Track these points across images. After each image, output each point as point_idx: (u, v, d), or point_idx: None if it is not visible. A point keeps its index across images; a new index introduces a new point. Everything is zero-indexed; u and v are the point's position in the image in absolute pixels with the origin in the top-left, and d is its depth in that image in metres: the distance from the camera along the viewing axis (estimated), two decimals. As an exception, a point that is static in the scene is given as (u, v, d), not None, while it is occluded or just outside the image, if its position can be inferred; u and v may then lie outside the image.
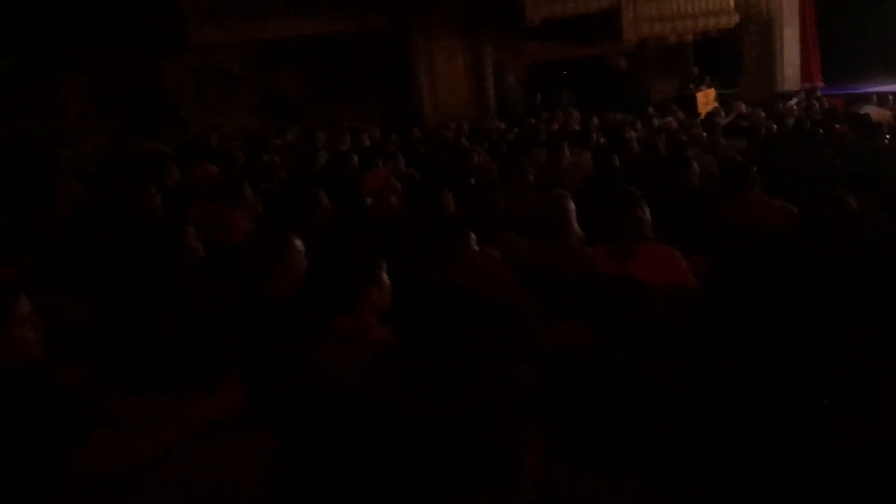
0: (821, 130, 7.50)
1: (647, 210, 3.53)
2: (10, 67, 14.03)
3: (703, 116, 9.93)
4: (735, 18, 13.15)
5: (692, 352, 2.38)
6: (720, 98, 12.76)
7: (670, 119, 9.91)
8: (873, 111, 9.04)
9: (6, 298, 2.14)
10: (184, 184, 6.07)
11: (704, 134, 7.88)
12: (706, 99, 12.49)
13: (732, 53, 14.09)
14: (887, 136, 7.17)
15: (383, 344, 2.36)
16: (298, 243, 3.10)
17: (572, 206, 3.95)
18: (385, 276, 2.55)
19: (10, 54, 14.00)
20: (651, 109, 10.90)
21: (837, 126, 7.90)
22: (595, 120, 10.16)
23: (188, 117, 14.35)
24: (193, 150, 8.64)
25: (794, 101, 11.52)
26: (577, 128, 9.45)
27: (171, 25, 13.83)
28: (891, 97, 10.47)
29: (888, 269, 2.84)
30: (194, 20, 13.92)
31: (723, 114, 9.95)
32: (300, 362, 2.21)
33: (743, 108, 10.51)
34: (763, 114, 9.51)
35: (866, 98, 11.07)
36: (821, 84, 13.89)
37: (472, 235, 3.58)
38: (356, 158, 6.99)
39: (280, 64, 15.02)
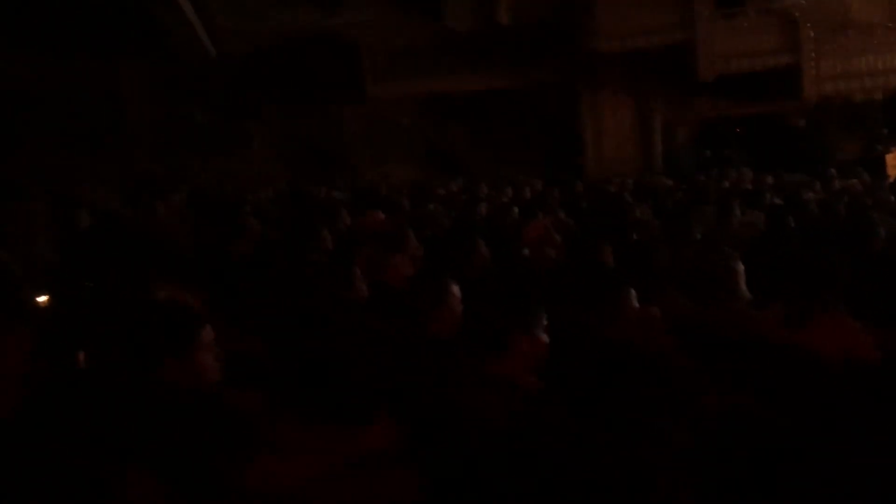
0: None
1: (826, 276, 3.33)
2: (210, 117, 15.50)
3: (892, 179, 9.22)
4: (934, 75, 12.19)
5: (868, 431, 2.19)
6: (913, 160, 11.79)
7: (854, 181, 9.27)
8: None
9: (194, 326, 2.33)
10: (353, 228, 6.40)
11: (893, 198, 7.32)
12: (896, 161, 11.59)
13: (929, 112, 13.03)
14: None
15: (534, 393, 2.36)
16: (455, 289, 3.18)
17: (741, 267, 3.78)
18: (540, 327, 2.55)
19: (210, 106, 15.47)
20: (832, 170, 10.25)
21: None
22: (769, 179, 9.70)
23: (361, 167, 15.15)
24: (364, 197, 9.08)
25: None
26: (750, 187, 9.06)
27: (350, 81, 14.77)
28: None
29: None
30: (371, 76, 14.78)
31: (916, 177, 9.19)
32: (451, 404, 2.25)
33: (940, 171, 9.66)
34: (964, 178, 8.69)
35: None
36: None
37: (632, 291, 3.51)
38: (516, 210, 7.07)
39: (446, 117, 15.58)
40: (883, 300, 3.82)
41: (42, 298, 3.92)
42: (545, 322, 2.56)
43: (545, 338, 2.56)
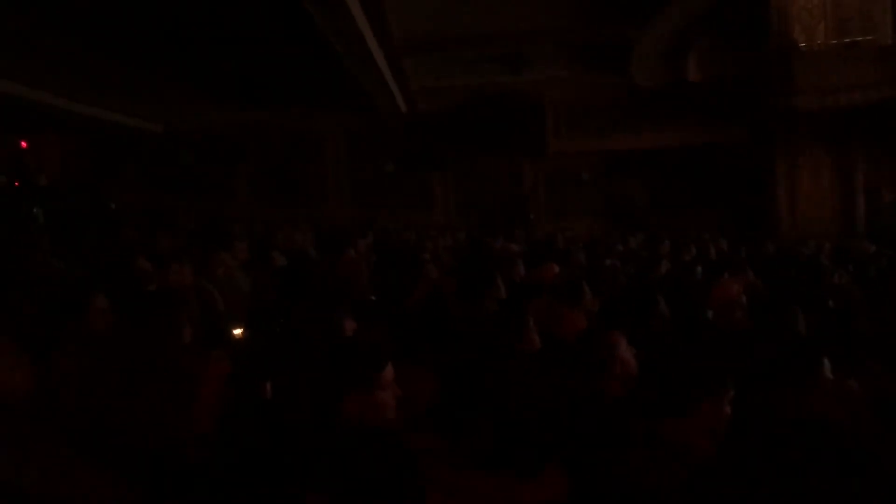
0: None
1: None
2: (396, 168, 16.30)
3: None
4: None
5: None
6: None
7: None
8: None
9: (376, 365, 2.42)
10: (528, 280, 6.40)
11: None
12: None
13: None
14: None
15: (710, 462, 2.22)
16: (627, 345, 3.10)
17: (957, 342, 3.41)
18: (727, 397, 2.41)
19: (396, 157, 16.29)
20: None
21: None
22: None
23: (539, 219, 15.28)
24: (540, 249, 9.10)
25: None
26: (970, 256, 8.15)
27: (532, 136, 15.03)
28: None
29: None
30: (554, 131, 14.95)
31: None
32: (619, 463, 2.18)
33: None
34: None
35: None
36: None
37: (826, 362, 3.25)
38: (700, 269, 6.78)
39: (626, 172, 15.41)
40: None
41: (238, 330, 4.25)
42: (732, 393, 2.43)
43: (729, 409, 2.42)
